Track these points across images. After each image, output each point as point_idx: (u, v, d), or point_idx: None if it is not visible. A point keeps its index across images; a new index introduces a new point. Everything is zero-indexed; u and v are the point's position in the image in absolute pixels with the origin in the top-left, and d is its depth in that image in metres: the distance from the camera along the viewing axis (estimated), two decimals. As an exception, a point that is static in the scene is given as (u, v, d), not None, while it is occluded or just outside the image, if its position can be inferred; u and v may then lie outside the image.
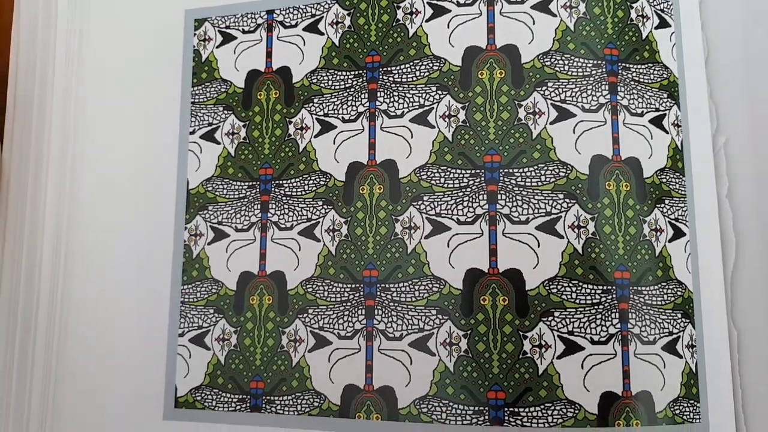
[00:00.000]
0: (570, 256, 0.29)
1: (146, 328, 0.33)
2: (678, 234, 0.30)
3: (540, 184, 0.30)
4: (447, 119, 0.31)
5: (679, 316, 0.29)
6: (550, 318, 0.28)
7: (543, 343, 0.28)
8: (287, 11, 0.34)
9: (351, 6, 0.33)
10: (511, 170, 0.30)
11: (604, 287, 0.28)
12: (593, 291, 0.28)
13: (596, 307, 0.28)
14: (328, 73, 0.33)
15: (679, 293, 0.29)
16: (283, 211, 0.32)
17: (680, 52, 0.31)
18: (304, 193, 0.32)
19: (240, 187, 0.33)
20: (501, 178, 0.30)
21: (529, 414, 0.28)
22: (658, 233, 0.29)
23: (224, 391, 0.32)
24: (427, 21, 0.32)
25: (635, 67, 0.30)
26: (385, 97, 0.32)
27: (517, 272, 0.29)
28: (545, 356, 0.28)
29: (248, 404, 0.31)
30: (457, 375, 0.29)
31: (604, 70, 0.30)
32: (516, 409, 0.28)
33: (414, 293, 0.30)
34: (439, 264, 0.30)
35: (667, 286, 0.29)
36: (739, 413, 0.29)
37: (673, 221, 0.30)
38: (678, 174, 0.30)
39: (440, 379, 0.29)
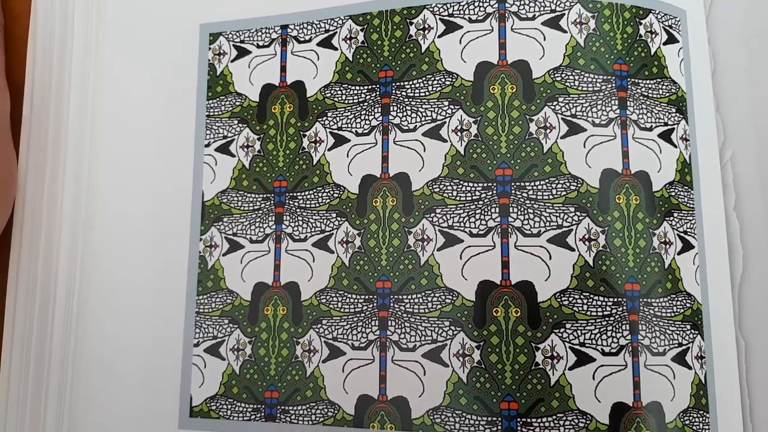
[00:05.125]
0: (581, 269, 0.29)
1: (162, 338, 0.33)
2: (687, 247, 0.30)
3: (551, 197, 0.30)
4: (459, 133, 0.31)
5: (689, 327, 0.29)
6: (562, 330, 0.29)
7: (555, 354, 0.29)
8: (301, 26, 0.34)
9: (364, 22, 0.34)
10: (522, 184, 0.30)
11: (615, 299, 0.29)
12: (604, 303, 0.29)
13: (607, 318, 0.29)
14: (341, 88, 0.33)
15: (688, 305, 0.30)
16: (297, 223, 0.33)
17: (688, 67, 0.32)
18: (317, 205, 0.33)
19: (255, 199, 0.34)
20: (513, 192, 0.30)
21: (542, 424, 0.28)
22: (668, 246, 0.30)
23: (239, 400, 0.32)
24: (439, 37, 0.32)
25: (644, 82, 0.31)
26: (398, 111, 0.32)
27: (529, 284, 0.29)
28: (557, 367, 0.29)
29: (263, 414, 0.32)
30: (470, 386, 0.29)
31: (613, 85, 0.31)
32: (528, 420, 0.28)
33: (427, 305, 0.30)
34: (452, 276, 0.30)
35: (676, 298, 0.29)
36: (747, 423, 0.30)
37: (681, 234, 0.30)
38: (686, 187, 0.31)
39: (453, 389, 0.29)
